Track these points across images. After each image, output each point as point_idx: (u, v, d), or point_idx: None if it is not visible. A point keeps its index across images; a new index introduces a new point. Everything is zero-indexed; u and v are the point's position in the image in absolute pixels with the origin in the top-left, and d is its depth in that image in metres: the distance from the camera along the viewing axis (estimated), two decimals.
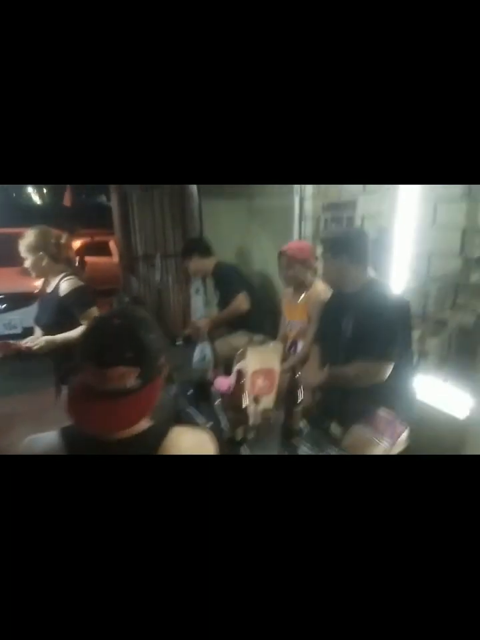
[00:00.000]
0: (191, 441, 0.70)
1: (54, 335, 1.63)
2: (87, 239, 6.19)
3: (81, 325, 1.63)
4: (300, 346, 1.84)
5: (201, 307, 3.25)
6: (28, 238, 1.61)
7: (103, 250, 6.21)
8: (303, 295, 1.85)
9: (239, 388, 1.18)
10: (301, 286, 1.83)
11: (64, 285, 1.64)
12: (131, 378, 0.62)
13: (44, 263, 1.64)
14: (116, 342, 0.62)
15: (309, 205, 2.16)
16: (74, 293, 1.63)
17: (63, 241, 1.69)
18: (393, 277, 1.72)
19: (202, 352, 1.46)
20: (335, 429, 1.45)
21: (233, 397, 1.18)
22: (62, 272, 1.68)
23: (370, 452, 1.24)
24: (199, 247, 2.30)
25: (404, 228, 1.67)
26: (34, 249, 1.61)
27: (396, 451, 1.33)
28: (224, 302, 2.23)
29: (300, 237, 2.22)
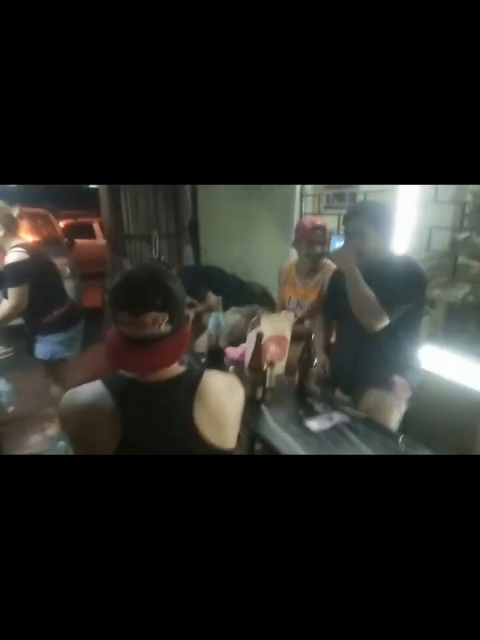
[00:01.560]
0: (224, 382, 0.76)
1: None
2: (70, 221, 6.05)
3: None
4: (308, 324, 1.88)
5: None
6: None
7: (86, 232, 6.09)
8: (317, 276, 1.87)
9: (259, 349, 1.23)
10: (316, 263, 1.85)
11: (9, 256, 1.72)
12: (162, 323, 0.67)
13: (6, 236, 1.72)
14: (145, 290, 0.67)
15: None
16: (11, 266, 1.71)
17: (15, 214, 1.77)
18: (395, 250, 1.79)
19: (216, 320, 1.50)
20: (340, 395, 1.53)
21: (254, 358, 1.23)
22: (13, 245, 1.75)
23: (391, 414, 1.30)
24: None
25: (405, 203, 1.74)
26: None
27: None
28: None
29: (301, 215, 2.27)
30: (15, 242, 1.75)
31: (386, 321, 1.28)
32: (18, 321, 1.85)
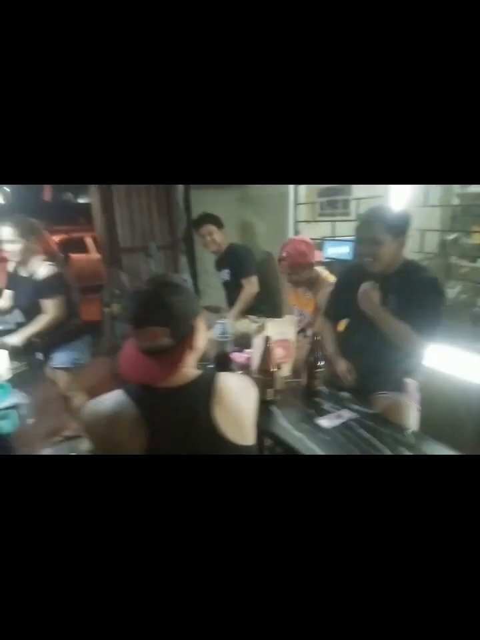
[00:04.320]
0: (238, 381, 0.80)
1: (31, 317, 1.84)
2: (63, 236, 6.06)
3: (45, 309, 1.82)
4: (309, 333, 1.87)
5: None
6: (9, 229, 1.75)
7: (79, 247, 6.10)
8: (311, 290, 1.88)
9: (268, 352, 1.27)
10: (307, 283, 1.88)
11: (42, 269, 1.84)
12: (162, 337, 0.70)
13: (29, 249, 1.81)
14: (145, 305, 0.71)
15: (303, 190, 2.27)
16: (50, 278, 1.83)
17: (41, 229, 1.89)
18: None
19: (223, 327, 1.55)
20: (345, 395, 1.57)
21: (263, 361, 1.28)
22: (41, 258, 1.86)
23: (406, 416, 1.33)
24: (216, 221, 2.34)
25: (396, 207, 1.81)
26: (16, 238, 1.77)
27: None
28: (235, 281, 2.30)
29: (295, 223, 2.33)
30: (39, 256, 1.85)
31: (425, 346, 1.31)
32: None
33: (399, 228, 1.28)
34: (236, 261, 2.30)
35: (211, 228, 2.31)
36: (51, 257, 1.91)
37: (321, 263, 1.83)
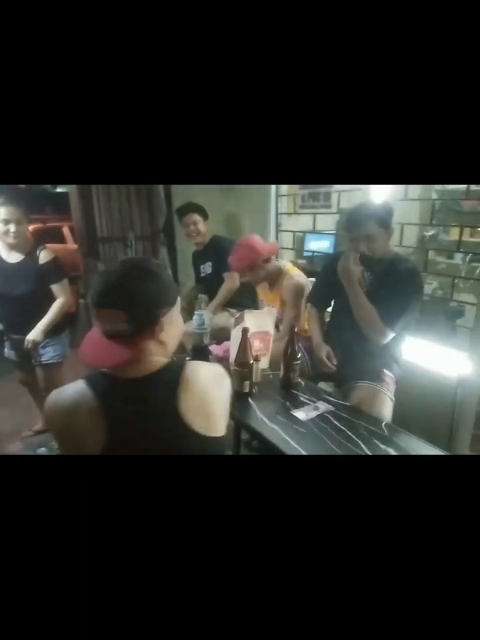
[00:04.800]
0: (209, 370, 0.75)
1: (25, 305, 1.78)
2: (38, 225, 5.87)
3: (53, 294, 1.80)
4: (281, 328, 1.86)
5: None
6: (12, 208, 1.68)
7: (55, 236, 5.93)
8: (274, 286, 1.84)
9: (245, 344, 1.25)
10: (264, 279, 1.83)
11: (43, 254, 1.79)
12: (120, 321, 0.67)
13: (25, 233, 1.76)
14: (105, 286, 0.68)
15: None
16: (54, 261, 1.80)
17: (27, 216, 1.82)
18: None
19: (200, 318, 1.52)
20: (324, 387, 1.58)
21: (240, 353, 1.26)
22: (34, 244, 1.81)
23: (384, 407, 1.34)
24: (201, 210, 2.28)
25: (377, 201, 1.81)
26: (18, 220, 1.70)
27: None
28: (217, 275, 2.25)
29: (277, 214, 2.31)
30: (30, 243, 1.80)
31: (389, 334, 1.33)
32: None
33: (388, 219, 1.35)
34: (221, 254, 2.16)
35: (196, 217, 2.25)
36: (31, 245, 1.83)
37: (272, 258, 1.76)
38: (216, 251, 2.25)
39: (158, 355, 0.73)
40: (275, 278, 1.80)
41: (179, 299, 0.77)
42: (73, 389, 0.70)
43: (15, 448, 2.03)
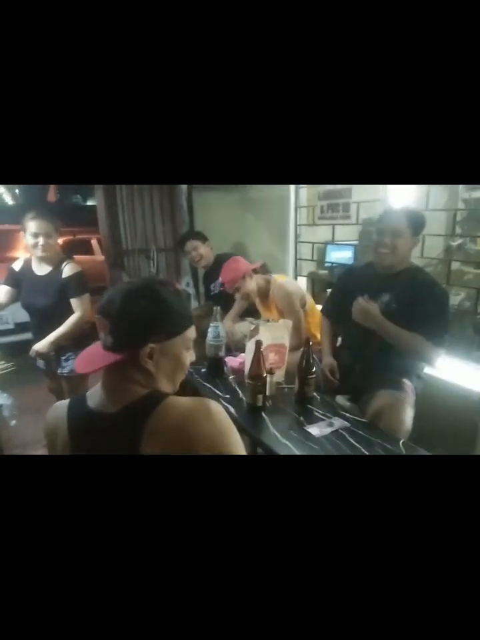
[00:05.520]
0: (187, 407, 0.64)
1: (49, 317, 1.81)
2: (68, 237, 6.10)
3: (71, 308, 1.81)
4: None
5: (191, 299, 3.29)
6: (42, 222, 1.73)
7: (84, 248, 6.14)
8: (267, 298, 1.89)
9: (259, 356, 1.24)
10: (256, 294, 1.88)
11: (67, 267, 1.81)
12: (105, 330, 0.65)
13: (54, 246, 1.79)
14: (108, 296, 0.66)
15: (303, 194, 2.25)
16: (77, 276, 1.82)
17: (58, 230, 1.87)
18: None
19: (216, 330, 1.52)
20: (341, 401, 1.54)
21: (254, 366, 1.25)
22: (63, 257, 1.85)
23: (404, 413, 1.30)
24: (199, 236, 2.35)
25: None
26: (48, 233, 1.75)
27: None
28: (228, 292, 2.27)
29: (296, 226, 2.30)
30: (58, 256, 1.84)
31: (440, 353, 1.31)
32: (22, 336, 1.88)
33: (418, 227, 1.36)
34: None
35: (195, 243, 2.31)
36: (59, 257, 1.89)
37: (255, 272, 1.85)
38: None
39: (141, 385, 0.67)
40: (266, 290, 1.87)
41: (186, 334, 0.70)
42: (58, 409, 0.70)
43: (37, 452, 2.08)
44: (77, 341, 1.90)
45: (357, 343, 1.49)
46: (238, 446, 0.67)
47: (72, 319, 1.82)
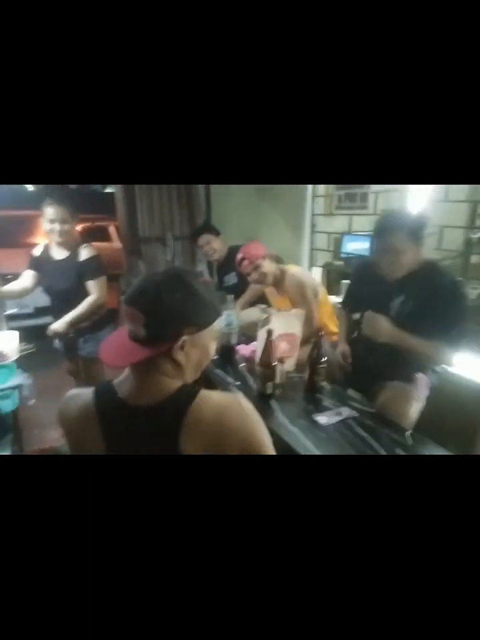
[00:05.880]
0: (220, 403, 0.66)
1: (68, 300, 1.86)
2: (87, 224, 6.18)
3: (87, 291, 1.85)
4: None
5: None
6: (59, 209, 1.77)
7: (102, 235, 6.20)
8: (280, 288, 1.89)
9: (269, 345, 1.26)
10: (270, 279, 1.87)
11: (84, 251, 1.87)
12: (138, 323, 0.64)
13: (71, 232, 1.84)
14: (139, 287, 0.65)
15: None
16: (93, 259, 1.87)
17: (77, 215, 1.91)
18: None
19: (228, 318, 1.54)
20: (351, 392, 1.55)
21: (264, 354, 1.26)
22: (80, 242, 1.90)
23: (409, 406, 1.31)
24: (212, 229, 2.37)
25: (416, 203, 1.75)
26: (64, 219, 1.80)
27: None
28: (243, 283, 2.26)
29: (313, 216, 2.28)
30: (76, 241, 1.89)
31: (455, 353, 1.27)
32: (41, 320, 1.93)
33: (418, 232, 1.25)
34: None
35: (208, 237, 2.31)
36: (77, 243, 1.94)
37: (271, 257, 1.86)
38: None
39: (172, 377, 0.68)
40: (279, 280, 1.87)
41: (214, 326, 0.71)
42: (83, 397, 0.69)
43: (53, 434, 2.16)
44: (95, 323, 1.96)
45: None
46: (268, 441, 0.69)
47: (88, 301, 1.86)
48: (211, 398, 0.66)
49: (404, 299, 1.33)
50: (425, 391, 1.39)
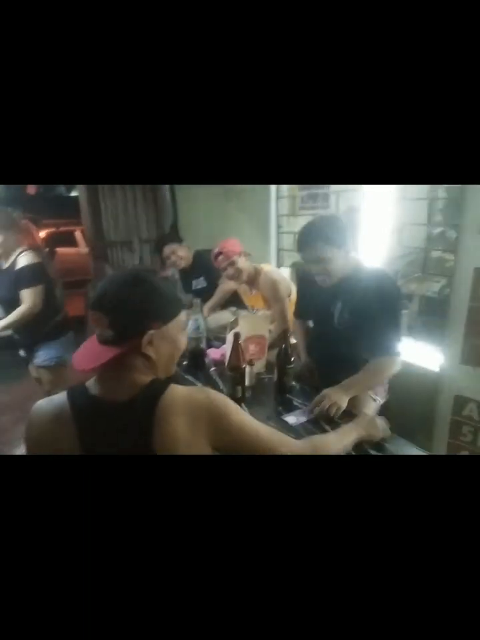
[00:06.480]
0: (186, 394, 0.68)
1: (10, 311, 1.79)
2: (52, 229, 6.00)
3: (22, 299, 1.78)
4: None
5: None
6: None
7: (68, 240, 6.04)
8: (254, 285, 1.94)
9: (237, 348, 1.26)
10: (245, 276, 1.90)
11: (21, 259, 1.79)
12: (103, 325, 0.65)
13: (9, 242, 1.78)
14: (100, 289, 0.67)
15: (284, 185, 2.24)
16: (29, 268, 1.78)
17: (23, 222, 1.86)
18: (366, 250, 1.84)
19: (196, 322, 1.52)
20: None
21: (232, 357, 1.26)
22: (21, 249, 1.82)
23: (362, 406, 1.34)
24: (175, 237, 2.37)
25: (375, 202, 1.79)
26: (4, 226, 1.74)
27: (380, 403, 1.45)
28: (211, 287, 2.29)
29: (277, 216, 2.30)
30: (21, 247, 1.81)
31: (399, 360, 1.27)
32: (4, 333, 1.88)
33: (340, 238, 1.24)
34: (211, 266, 2.15)
35: (172, 246, 2.28)
36: (34, 250, 1.86)
37: (246, 255, 1.90)
38: (205, 265, 2.26)
39: (144, 373, 0.70)
40: (253, 278, 1.91)
41: (180, 318, 0.73)
42: (56, 401, 0.69)
43: (20, 451, 2.08)
44: (50, 331, 1.91)
45: (321, 342, 1.49)
46: (248, 421, 0.73)
47: (17, 311, 1.79)
48: (180, 388, 0.69)
49: (341, 305, 1.33)
50: (382, 388, 1.43)
